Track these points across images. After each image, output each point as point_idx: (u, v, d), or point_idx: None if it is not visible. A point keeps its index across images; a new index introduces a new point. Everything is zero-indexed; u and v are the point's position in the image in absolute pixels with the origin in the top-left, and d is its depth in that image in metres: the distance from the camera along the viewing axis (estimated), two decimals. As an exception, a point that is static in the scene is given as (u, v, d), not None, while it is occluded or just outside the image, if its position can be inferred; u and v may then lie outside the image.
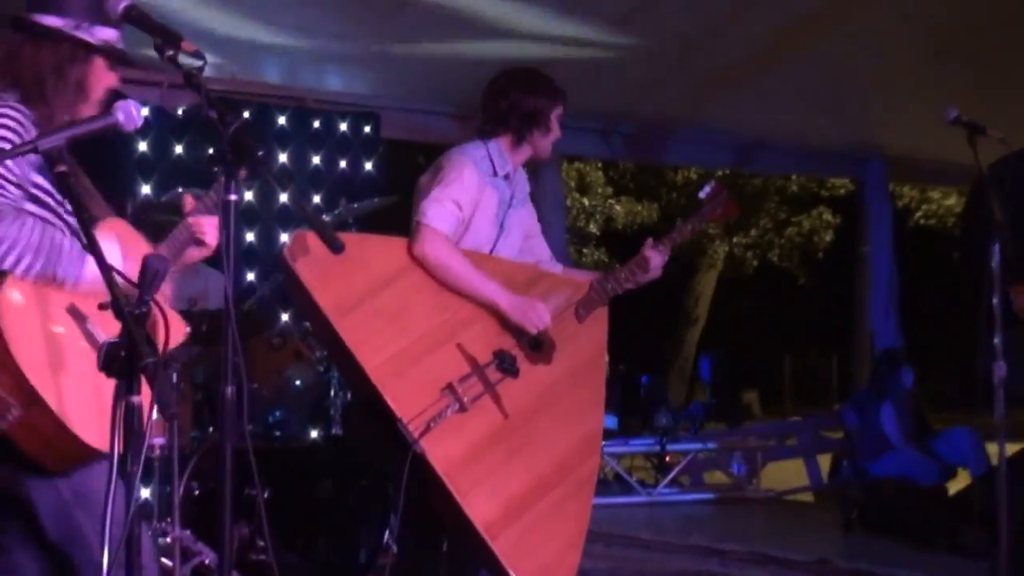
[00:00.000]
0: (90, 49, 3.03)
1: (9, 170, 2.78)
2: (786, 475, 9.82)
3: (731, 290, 22.73)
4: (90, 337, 2.84)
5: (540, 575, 4.08)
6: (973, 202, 4.92)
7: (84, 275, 2.81)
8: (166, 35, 2.81)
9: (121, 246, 2.96)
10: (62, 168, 2.28)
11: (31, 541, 2.99)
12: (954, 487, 7.37)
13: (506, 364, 4.22)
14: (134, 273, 2.79)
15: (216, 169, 2.65)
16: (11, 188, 2.79)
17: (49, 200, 2.92)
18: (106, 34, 3.08)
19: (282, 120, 8.16)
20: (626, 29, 7.74)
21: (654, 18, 7.56)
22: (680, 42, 8.05)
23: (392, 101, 8.64)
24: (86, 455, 2.79)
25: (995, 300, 4.31)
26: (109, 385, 2.59)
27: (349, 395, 5.88)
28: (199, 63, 2.82)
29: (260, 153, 2.61)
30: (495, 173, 4.42)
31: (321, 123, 8.32)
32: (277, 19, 7.06)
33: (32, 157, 2.74)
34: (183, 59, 2.83)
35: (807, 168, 15.19)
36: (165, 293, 3.06)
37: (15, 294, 2.73)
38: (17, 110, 2.89)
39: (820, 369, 22.23)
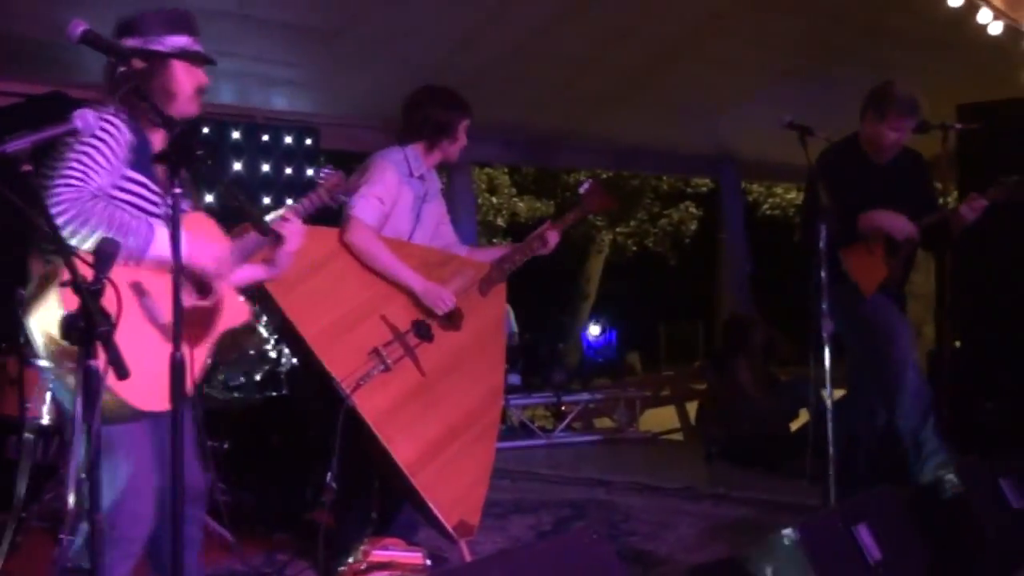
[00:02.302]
0: (164, 57, 2.97)
1: (107, 168, 2.77)
2: (662, 420, 9.88)
3: (615, 271, 22.84)
4: (148, 312, 2.78)
5: (454, 505, 4.05)
6: (808, 192, 4.97)
7: (147, 251, 2.75)
8: (118, 53, 2.73)
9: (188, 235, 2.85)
10: (28, 168, 2.18)
11: None
12: (795, 426, 7.46)
13: (422, 331, 4.19)
14: (197, 259, 2.87)
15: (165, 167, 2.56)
16: (99, 180, 2.74)
17: (144, 192, 2.88)
18: (178, 41, 3.01)
19: (236, 134, 8.01)
20: (520, 56, 7.71)
21: (544, 45, 7.54)
22: (565, 67, 8.04)
23: (330, 118, 8.53)
24: (131, 414, 2.72)
25: (822, 273, 4.35)
26: (160, 354, 2.59)
27: (294, 360, 5.80)
28: (148, 78, 2.74)
29: (199, 153, 2.54)
30: (411, 174, 4.39)
31: (269, 137, 8.20)
32: (232, 49, 6.92)
33: (125, 156, 2.79)
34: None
35: (674, 170, 15.34)
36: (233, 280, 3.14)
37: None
38: (117, 117, 2.86)
39: (688, 334, 22.40)
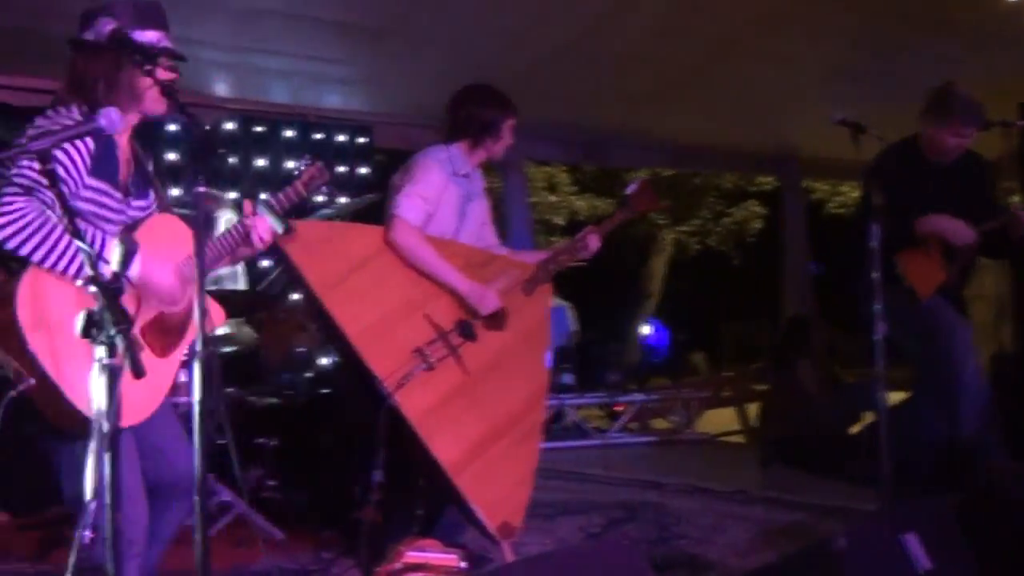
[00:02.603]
0: (132, 52, 2.82)
1: (64, 178, 2.67)
2: (723, 421, 9.76)
3: (679, 270, 22.65)
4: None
5: (496, 506, 4.02)
6: (863, 190, 4.86)
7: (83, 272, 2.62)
8: (146, 54, 2.68)
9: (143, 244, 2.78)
10: (51, 167, 2.18)
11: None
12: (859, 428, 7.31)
13: (466, 331, 4.17)
14: (153, 268, 2.76)
15: (186, 165, 2.54)
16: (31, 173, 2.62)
17: (104, 199, 2.79)
18: (147, 36, 2.87)
19: (289, 133, 8.08)
20: (570, 53, 7.66)
21: (594, 42, 7.49)
22: (616, 64, 7.98)
23: (383, 116, 8.55)
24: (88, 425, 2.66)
25: (874, 274, 4.25)
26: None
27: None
28: (174, 77, 2.71)
29: (220, 152, 2.52)
30: (456, 172, 4.37)
31: (323, 135, 8.25)
32: (281, 48, 6.99)
33: (86, 164, 2.68)
34: (160, 74, 2.70)
35: (734, 168, 15.18)
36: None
37: (35, 283, 2.62)
38: (72, 118, 2.75)
39: (753, 334, 22.15)
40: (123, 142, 2.90)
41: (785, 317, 11.28)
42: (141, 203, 2.94)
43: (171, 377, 2.89)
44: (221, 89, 7.74)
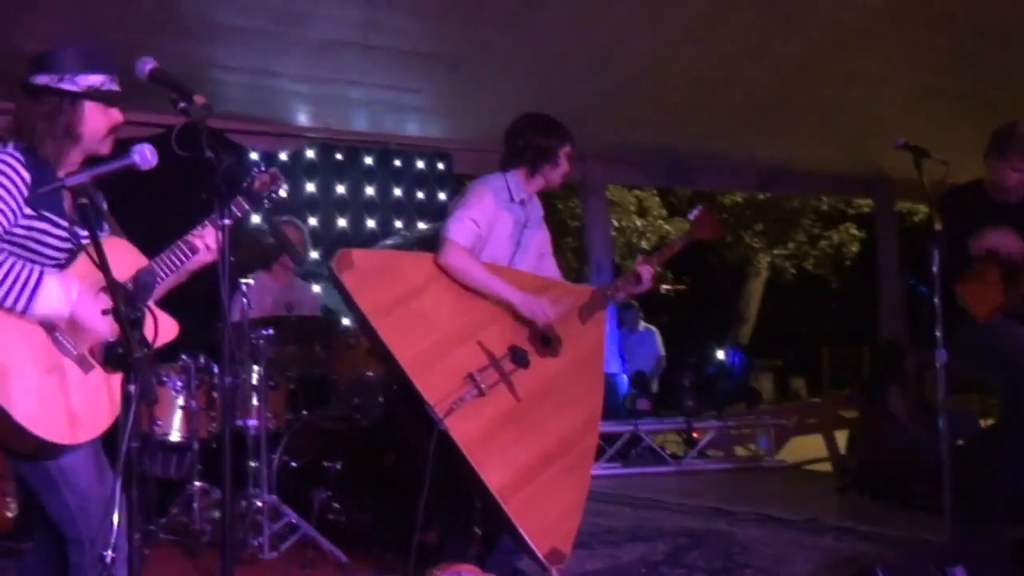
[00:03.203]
0: (74, 97, 2.89)
1: (1, 209, 2.74)
2: (811, 448, 9.61)
3: (776, 294, 22.36)
4: (58, 344, 2.78)
5: (546, 532, 4.02)
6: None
7: (31, 308, 2.70)
8: (181, 91, 2.74)
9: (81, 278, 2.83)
10: (84, 201, 2.29)
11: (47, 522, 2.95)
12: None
13: (518, 357, 4.20)
14: (87, 304, 2.75)
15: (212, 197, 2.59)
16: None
17: (49, 228, 2.83)
18: (91, 80, 2.92)
19: (369, 160, 8.23)
20: (647, 78, 7.67)
21: (671, 66, 7.49)
22: (694, 88, 7.96)
23: (461, 143, 8.66)
24: (48, 448, 2.73)
25: (935, 299, 4.18)
26: (79, 385, 2.65)
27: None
28: (207, 113, 2.73)
29: (244, 184, 2.59)
30: (512, 199, 4.41)
31: (402, 162, 8.38)
32: (358, 78, 7.15)
33: (22, 195, 2.73)
34: (193, 111, 2.73)
35: (822, 190, 14.97)
36: (157, 294, 3.02)
37: None
38: (12, 156, 2.82)
39: (853, 359, 21.71)
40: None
41: (880, 342, 11.08)
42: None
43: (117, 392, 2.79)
44: (302, 118, 7.95)
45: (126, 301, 2.20)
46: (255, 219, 7.29)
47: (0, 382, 2.62)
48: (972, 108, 8.06)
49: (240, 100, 7.23)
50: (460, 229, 4.21)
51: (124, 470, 2.16)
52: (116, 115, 2.98)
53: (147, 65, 2.70)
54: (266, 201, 3.23)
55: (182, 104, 2.65)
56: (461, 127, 8.49)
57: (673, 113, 8.48)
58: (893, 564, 3.03)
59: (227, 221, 2.46)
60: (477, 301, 4.22)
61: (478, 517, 4.57)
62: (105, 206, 3.07)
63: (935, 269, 4.20)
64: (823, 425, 9.88)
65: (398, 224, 8.18)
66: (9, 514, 4.92)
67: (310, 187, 8.01)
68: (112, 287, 2.22)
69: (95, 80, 2.92)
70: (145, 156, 2.46)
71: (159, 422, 5.46)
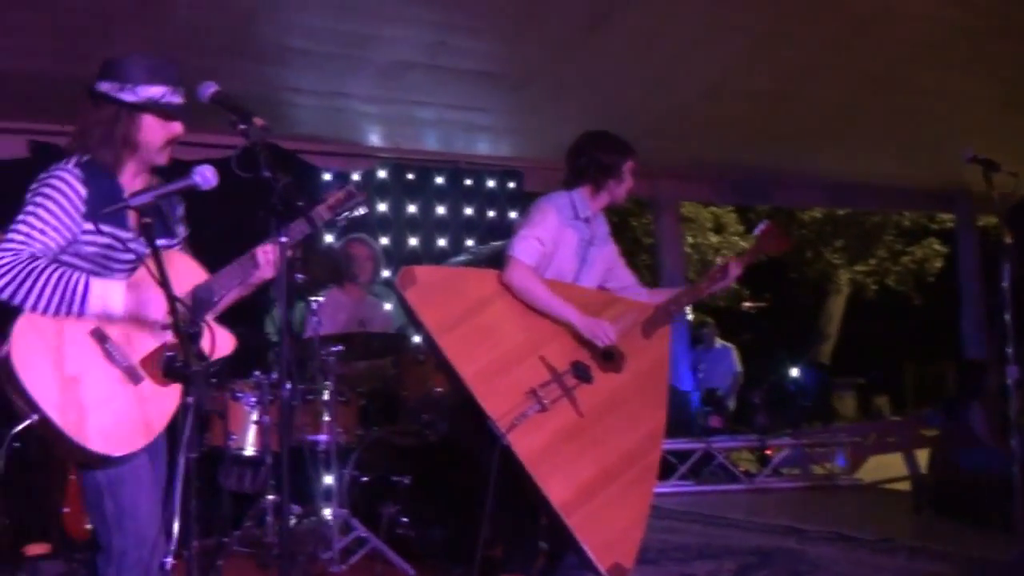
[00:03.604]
0: (133, 107, 2.93)
1: (56, 226, 2.82)
2: (892, 467, 9.43)
3: (858, 311, 21.99)
4: (109, 356, 2.83)
5: (608, 548, 4.04)
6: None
7: (85, 308, 2.79)
8: (241, 113, 2.76)
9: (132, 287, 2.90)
10: (147, 220, 2.38)
11: None
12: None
13: (581, 372, 4.23)
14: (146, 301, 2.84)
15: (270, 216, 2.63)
16: (44, 239, 2.81)
17: (111, 241, 2.89)
18: (151, 92, 2.94)
19: (440, 179, 8.33)
20: (715, 95, 7.66)
21: (737, 84, 7.47)
22: (762, 105, 7.92)
23: (531, 161, 8.71)
24: (92, 457, 2.79)
25: (1007, 315, 4.13)
26: (122, 397, 2.71)
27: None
28: (266, 135, 2.75)
29: (300, 204, 2.63)
30: (576, 216, 4.44)
31: (473, 181, 8.46)
32: (426, 99, 7.25)
33: (78, 210, 2.80)
34: (253, 132, 2.74)
35: (899, 205, 14.72)
36: (221, 306, 3.07)
37: (28, 326, 2.78)
38: (70, 172, 2.89)
39: (937, 376, 21.28)
40: (135, 186, 2.98)
41: (963, 360, 10.88)
42: (160, 241, 2.93)
43: (173, 404, 2.89)
44: (373, 138, 8.08)
45: (185, 315, 2.27)
46: (328, 237, 7.47)
47: (46, 390, 2.70)
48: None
49: (312, 122, 7.38)
50: (525, 248, 4.26)
51: (184, 480, 2.23)
52: (175, 128, 3.00)
53: (209, 89, 2.77)
54: (342, 219, 3.28)
55: (242, 126, 2.69)
56: (531, 145, 8.54)
57: (741, 129, 8.44)
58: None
59: (284, 239, 2.52)
60: (540, 318, 4.26)
61: (543, 533, 4.59)
62: (181, 211, 3.15)
63: (1004, 285, 4.14)
64: (903, 443, 9.70)
65: (469, 243, 8.24)
66: (88, 526, 5.07)
67: (382, 207, 8.12)
68: (171, 301, 2.29)
69: (155, 92, 2.95)
70: (206, 177, 2.54)
71: (233, 436, 5.58)
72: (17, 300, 2.75)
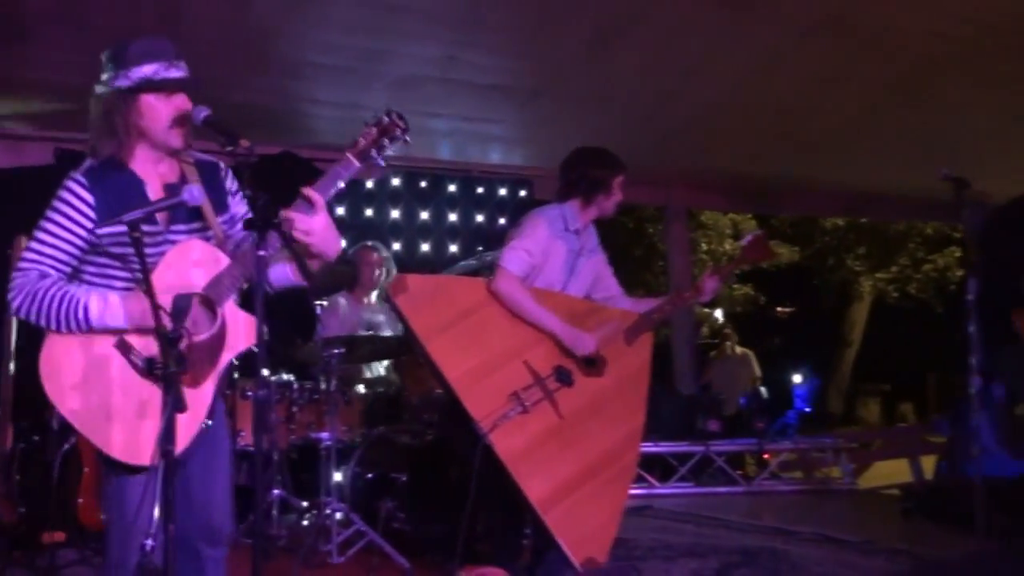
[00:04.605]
0: (128, 91, 2.89)
1: (64, 240, 2.85)
2: (896, 473, 9.56)
3: (880, 318, 21.97)
4: (134, 364, 2.82)
5: (582, 543, 4.23)
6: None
7: (94, 324, 2.83)
8: (228, 135, 2.75)
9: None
10: (137, 235, 2.57)
11: None
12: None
13: (563, 376, 4.42)
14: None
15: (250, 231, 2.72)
16: (53, 258, 2.86)
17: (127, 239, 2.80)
18: (143, 71, 2.88)
19: (452, 187, 8.53)
20: (727, 106, 7.81)
21: (750, 95, 7.62)
22: (775, 115, 8.06)
23: (543, 171, 8.85)
24: (109, 462, 2.84)
25: (971, 328, 4.29)
26: (146, 405, 2.75)
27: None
28: (250, 156, 2.72)
29: (276, 220, 2.76)
30: (566, 228, 4.63)
31: (484, 189, 8.65)
32: (440, 110, 7.47)
33: (88, 217, 2.83)
34: (239, 153, 2.71)
35: (917, 215, 14.76)
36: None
37: (57, 336, 2.85)
38: (76, 181, 2.90)
39: (959, 383, 21.22)
40: (157, 173, 3.00)
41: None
42: (182, 227, 3.00)
43: (205, 406, 2.92)
44: (388, 148, 8.27)
45: (168, 320, 2.48)
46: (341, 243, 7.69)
47: (69, 401, 2.79)
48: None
49: (329, 131, 7.62)
50: (513, 258, 4.47)
51: (164, 469, 2.43)
52: (179, 101, 2.94)
53: (202, 113, 2.88)
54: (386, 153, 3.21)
55: (229, 148, 2.72)
56: (542, 155, 8.70)
57: (755, 139, 8.58)
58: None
59: (262, 252, 2.67)
60: (526, 324, 4.45)
61: (529, 529, 4.79)
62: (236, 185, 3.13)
63: (970, 298, 4.29)
64: (910, 450, 9.82)
65: (480, 249, 8.43)
66: (102, 517, 5.32)
67: (395, 213, 8.34)
68: (155, 308, 2.50)
69: (148, 70, 2.88)
70: (194, 195, 2.72)
71: (241, 433, 5.82)
72: (33, 320, 2.83)
